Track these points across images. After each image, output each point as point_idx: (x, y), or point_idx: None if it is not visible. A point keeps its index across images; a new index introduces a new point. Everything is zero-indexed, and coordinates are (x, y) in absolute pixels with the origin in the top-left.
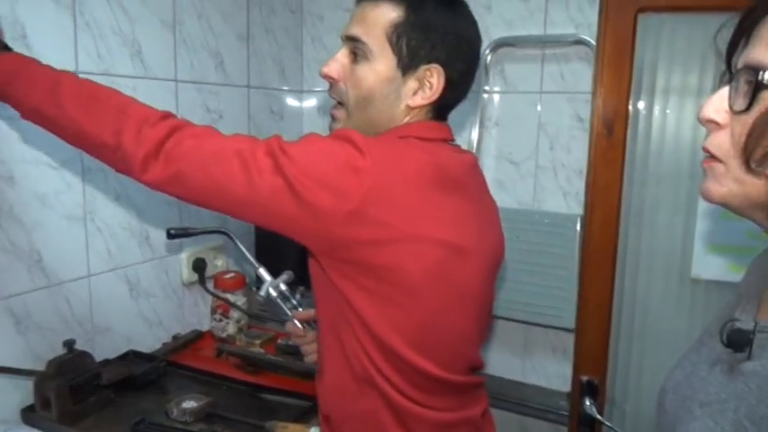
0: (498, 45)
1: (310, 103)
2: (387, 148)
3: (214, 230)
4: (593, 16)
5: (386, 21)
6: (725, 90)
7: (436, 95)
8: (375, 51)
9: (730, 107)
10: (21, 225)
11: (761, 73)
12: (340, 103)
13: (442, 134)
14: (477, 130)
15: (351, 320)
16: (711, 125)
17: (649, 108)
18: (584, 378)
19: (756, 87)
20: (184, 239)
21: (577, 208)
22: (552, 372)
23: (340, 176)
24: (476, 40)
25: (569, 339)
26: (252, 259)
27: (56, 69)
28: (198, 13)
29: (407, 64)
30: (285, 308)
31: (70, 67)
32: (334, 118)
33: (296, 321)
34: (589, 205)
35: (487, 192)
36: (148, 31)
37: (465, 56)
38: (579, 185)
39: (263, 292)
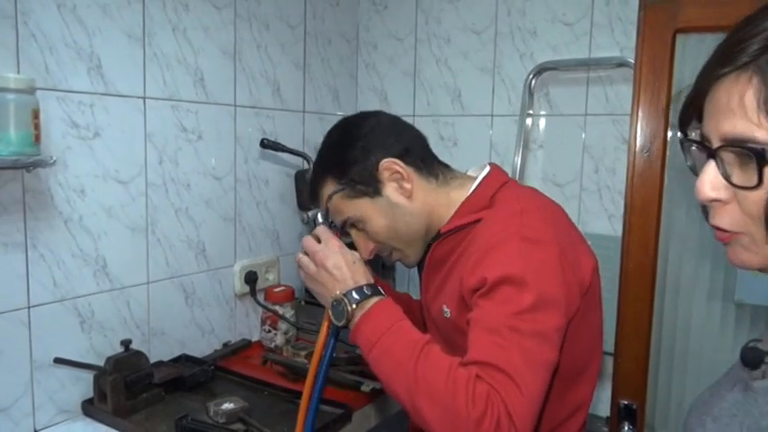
0: (542, 69)
1: None
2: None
3: (298, 152)
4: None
5: (327, 192)
6: (711, 165)
7: (407, 172)
8: (360, 216)
9: (729, 182)
10: (89, 233)
11: (757, 147)
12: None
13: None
14: (521, 153)
15: None
16: (715, 204)
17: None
18: (623, 402)
19: (761, 163)
20: (239, 252)
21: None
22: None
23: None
24: (378, 118)
25: (611, 363)
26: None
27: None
28: (257, 44)
29: (370, 188)
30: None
31: (138, 93)
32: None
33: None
34: (627, 225)
35: None
36: (210, 60)
37: (385, 134)
38: None
39: (311, 213)
